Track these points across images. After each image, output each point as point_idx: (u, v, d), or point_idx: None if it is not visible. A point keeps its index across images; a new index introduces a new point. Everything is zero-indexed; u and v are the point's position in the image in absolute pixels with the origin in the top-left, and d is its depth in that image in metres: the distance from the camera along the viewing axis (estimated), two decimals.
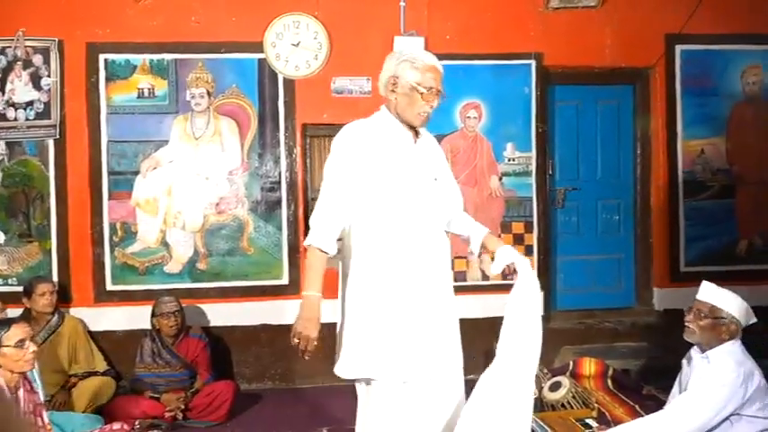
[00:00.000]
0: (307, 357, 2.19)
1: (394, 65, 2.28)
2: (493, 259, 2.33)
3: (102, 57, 4.37)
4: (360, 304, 2.25)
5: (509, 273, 2.32)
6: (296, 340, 2.18)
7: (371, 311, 2.22)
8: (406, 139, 2.31)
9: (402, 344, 2.20)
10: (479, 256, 2.49)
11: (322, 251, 2.20)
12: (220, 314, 4.43)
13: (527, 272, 2.28)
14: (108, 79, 4.39)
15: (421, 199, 2.26)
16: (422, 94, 2.24)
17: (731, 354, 2.46)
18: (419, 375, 2.22)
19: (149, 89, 4.42)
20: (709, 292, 2.55)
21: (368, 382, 2.25)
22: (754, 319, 2.55)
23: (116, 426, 3.09)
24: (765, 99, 4.82)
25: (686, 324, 2.57)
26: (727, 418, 2.41)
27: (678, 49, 4.74)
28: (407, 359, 2.21)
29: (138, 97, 4.41)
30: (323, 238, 2.20)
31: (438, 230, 2.33)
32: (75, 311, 4.29)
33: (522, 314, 2.25)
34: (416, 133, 2.36)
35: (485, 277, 4.59)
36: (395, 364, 2.19)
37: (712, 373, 2.44)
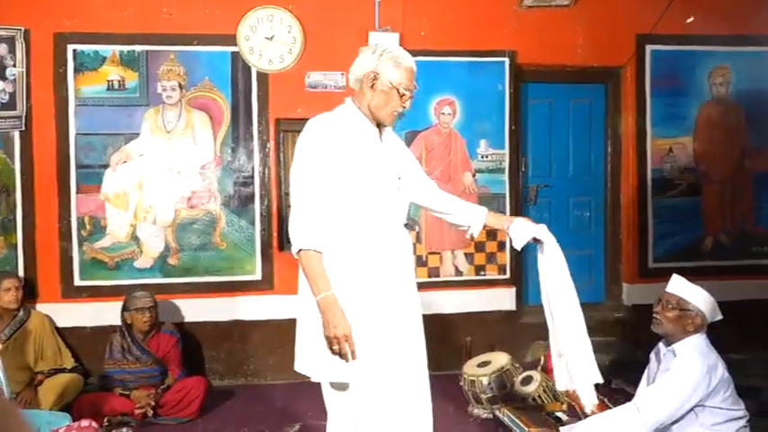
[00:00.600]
0: (353, 358, 2.09)
1: (374, 60, 2.21)
2: (508, 237, 2.42)
3: (70, 47, 4.28)
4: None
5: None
6: (336, 348, 2.08)
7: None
8: (372, 137, 2.26)
9: (375, 343, 2.17)
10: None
11: (316, 251, 2.13)
12: (192, 310, 4.38)
13: (547, 236, 2.42)
14: (76, 70, 4.30)
15: (384, 197, 2.23)
16: (401, 95, 2.21)
17: (696, 347, 2.53)
18: (391, 373, 2.21)
19: (119, 81, 4.34)
20: (678, 285, 2.63)
21: (342, 383, 2.21)
22: (720, 316, 2.62)
23: (84, 423, 3.02)
24: (732, 99, 4.94)
25: (654, 315, 2.63)
26: (692, 409, 2.47)
27: (648, 49, 4.82)
28: (381, 359, 2.19)
29: (108, 89, 4.33)
30: (313, 239, 2.13)
31: (400, 228, 2.31)
32: (41, 307, 4.21)
33: (556, 271, 2.45)
34: (380, 130, 2.31)
35: (458, 273, 4.62)
36: (371, 365, 2.16)
37: (678, 366, 2.51)
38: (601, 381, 2.35)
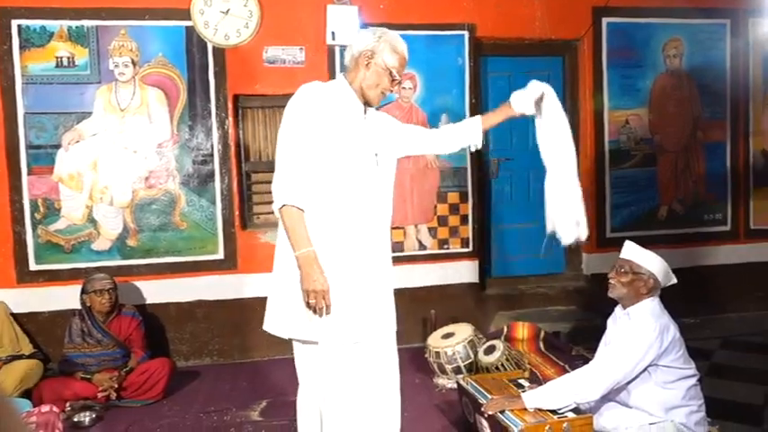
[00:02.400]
0: (327, 314, 2.18)
1: (373, 41, 2.33)
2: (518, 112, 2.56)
3: (14, 22, 4.10)
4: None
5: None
6: (312, 301, 2.16)
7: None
8: (357, 112, 2.35)
9: (347, 308, 2.24)
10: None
11: (298, 209, 2.19)
12: (153, 291, 4.32)
13: (546, 88, 2.57)
14: (22, 47, 4.12)
15: (360, 170, 2.29)
16: (393, 79, 2.35)
17: (650, 309, 2.63)
18: (361, 337, 2.28)
19: (69, 58, 4.18)
20: (631, 251, 2.72)
21: (317, 343, 2.27)
22: (674, 280, 2.71)
23: (45, 408, 2.96)
24: (685, 71, 5.05)
25: (609, 280, 2.72)
26: (645, 369, 2.58)
27: (605, 21, 4.88)
28: (352, 322, 2.25)
29: (57, 66, 4.17)
30: (296, 195, 2.19)
31: (377, 202, 2.36)
32: None
33: (557, 125, 2.58)
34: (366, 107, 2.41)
35: (421, 247, 4.66)
36: (342, 327, 2.24)
37: (632, 327, 2.61)
38: (585, 235, 2.53)
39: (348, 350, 2.26)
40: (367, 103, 2.39)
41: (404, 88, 4.58)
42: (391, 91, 2.43)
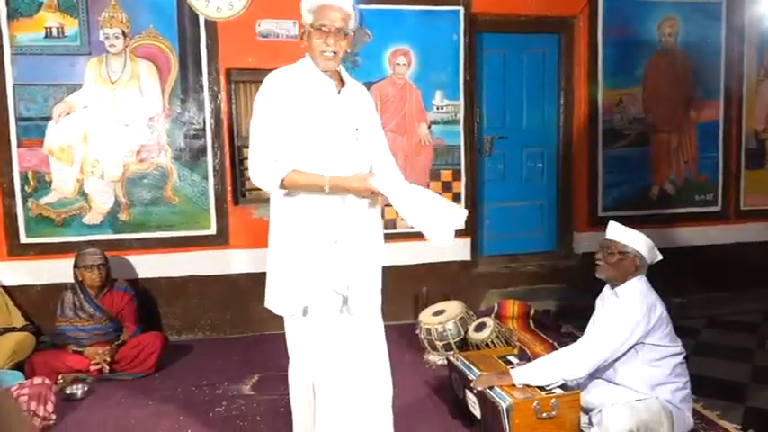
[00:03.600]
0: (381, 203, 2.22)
1: (303, 13, 2.27)
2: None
3: None
4: (290, 245, 2.28)
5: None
6: (367, 193, 2.19)
7: (301, 250, 2.26)
8: (327, 89, 2.29)
9: (325, 279, 2.26)
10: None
11: (291, 171, 2.19)
12: (145, 266, 4.31)
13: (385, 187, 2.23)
14: (10, 16, 4.05)
15: (340, 147, 2.27)
16: (317, 32, 2.22)
17: (637, 288, 2.66)
18: (346, 307, 2.30)
19: (58, 28, 4.11)
20: (616, 231, 2.75)
21: (302, 314, 2.30)
22: (660, 257, 2.74)
23: (37, 380, 2.99)
24: (680, 50, 5.03)
25: (596, 261, 2.74)
26: (632, 347, 2.61)
27: None
28: (331, 293, 2.28)
29: (46, 37, 4.10)
30: (281, 167, 2.19)
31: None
32: None
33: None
34: (342, 83, 2.35)
35: None
36: (322, 298, 2.26)
37: (620, 306, 2.64)
38: (462, 217, 2.20)
39: (333, 320, 2.28)
40: (339, 78, 2.33)
41: (398, 64, 4.54)
42: (329, 45, 2.21)
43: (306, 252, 2.26)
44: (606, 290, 2.81)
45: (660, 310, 2.63)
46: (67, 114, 4.16)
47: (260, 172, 2.22)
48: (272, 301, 2.35)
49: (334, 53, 2.25)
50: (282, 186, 2.22)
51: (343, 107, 2.31)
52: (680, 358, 2.67)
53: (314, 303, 2.27)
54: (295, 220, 2.27)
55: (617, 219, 2.87)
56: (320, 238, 2.26)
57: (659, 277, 2.80)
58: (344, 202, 2.27)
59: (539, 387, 2.64)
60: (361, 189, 2.20)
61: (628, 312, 2.59)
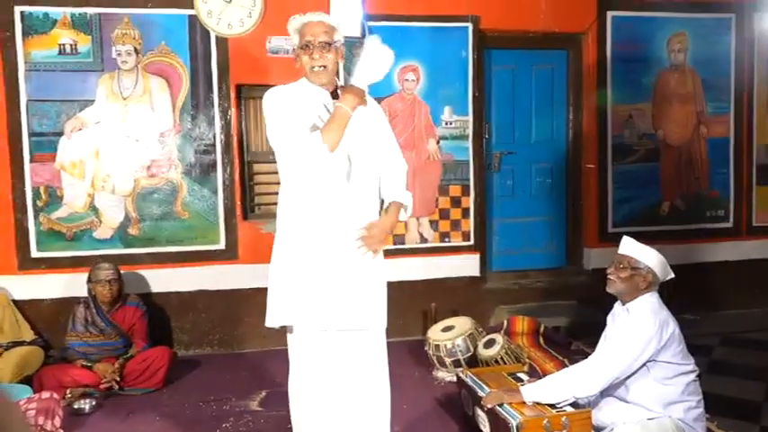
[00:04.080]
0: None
1: (291, 36, 2.40)
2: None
3: (17, 9, 4.09)
4: (283, 260, 2.33)
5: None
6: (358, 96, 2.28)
7: (292, 266, 2.30)
8: (324, 99, 2.35)
9: (318, 294, 2.28)
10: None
11: (321, 132, 2.24)
12: (155, 280, 4.32)
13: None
14: (25, 34, 4.11)
15: (336, 164, 2.28)
16: (304, 50, 2.32)
17: (649, 304, 2.63)
18: (335, 326, 2.30)
19: (72, 45, 4.17)
20: (629, 246, 2.72)
21: (290, 330, 2.35)
22: (672, 275, 2.71)
23: (45, 395, 2.98)
24: (689, 66, 5.02)
25: (608, 276, 2.72)
26: (644, 364, 2.57)
27: (609, 15, 4.85)
28: (323, 309, 2.29)
29: (60, 54, 4.16)
30: (315, 135, 2.22)
31: (360, 193, 2.36)
32: None
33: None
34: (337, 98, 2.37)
35: (423, 240, 4.66)
36: (311, 313, 2.28)
37: (632, 322, 2.60)
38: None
39: (316, 338, 2.29)
40: (336, 95, 2.36)
41: (407, 80, 4.56)
42: (315, 59, 2.31)
43: (299, 268, 2.30)
44: (617, 306, 2.78)
45: (672, 326, 2.60)
46: (79, 130, 4.20)
47: (302, 146, 2.22)
48: (268, 314, 2.39)
49: (323, 66, 2.32)
50: (324, 143, 2.22)
51: None
52: (693, 376, 2.63)
53: (299, 320, 2.30)
54: (294, 236, 2.32)
55: (627, 234, 2.85)
56: (317, 254, 2.29)
57: (671, 293, 2.77)
58: (332, 214, 2.29)
59: (549, 405, 2.61)
60: (357, 97, 2.27)
61: (640, 329, 2.56)
